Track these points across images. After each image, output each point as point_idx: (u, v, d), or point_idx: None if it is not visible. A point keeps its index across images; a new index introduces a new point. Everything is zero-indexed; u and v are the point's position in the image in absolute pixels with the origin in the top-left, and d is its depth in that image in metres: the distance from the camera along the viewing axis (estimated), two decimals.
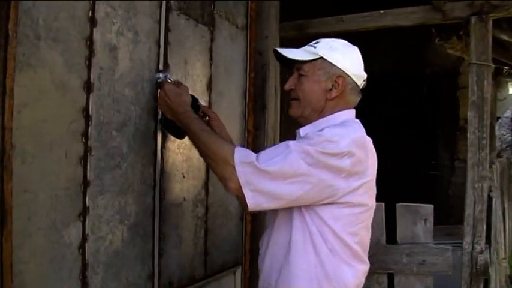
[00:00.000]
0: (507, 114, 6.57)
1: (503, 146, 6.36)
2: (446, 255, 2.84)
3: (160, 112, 2.02)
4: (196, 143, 1.87)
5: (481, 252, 2.70)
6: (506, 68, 5.07)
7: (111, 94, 1.79)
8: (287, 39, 3.27)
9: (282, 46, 3.11)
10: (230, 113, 2.67)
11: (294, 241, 1.75)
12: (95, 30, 1.69)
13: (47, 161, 1.51)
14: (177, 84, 2.00)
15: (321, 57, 1.81)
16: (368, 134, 1.83)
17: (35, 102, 1.47)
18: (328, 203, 1.70)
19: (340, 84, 1.81)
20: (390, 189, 3.51)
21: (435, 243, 2.95)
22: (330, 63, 1.80)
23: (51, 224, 1.53)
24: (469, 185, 2.74)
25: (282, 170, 1.64)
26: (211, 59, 2.46)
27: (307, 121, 1.87)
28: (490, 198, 2.86)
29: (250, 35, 2.91)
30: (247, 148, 2.84)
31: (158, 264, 2.07)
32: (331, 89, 1.82)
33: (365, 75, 1.89)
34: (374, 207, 1.87)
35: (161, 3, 2.06)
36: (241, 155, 1.69)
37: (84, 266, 1.67)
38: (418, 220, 2.92)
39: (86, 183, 1.67)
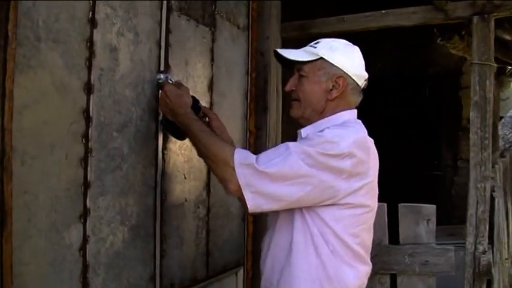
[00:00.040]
0: (510, 113, 6.57)
1: (507, 145, 6.36)
2: (449, 255, 2.83)
3: (161, 113, 2.02)
4: (196, 144, 1.87)
5: (484, 252, 2.69)
6: (509, 67, 5.05)
7: (112, 95, 1.78)
8: (288, 40, 3.27)
9: (283, 46, 3.13)
10: (231, 114, 2.67)
11: (295, 242, 1.75)
12: (95, 31, 1.69)
13: (47, 163, 1.51)
14: (178, 85, 2.00)
15: (321, 58, 1.80)
16: (370, 134, 1.83)
17: (35, 103, 1.47)
18: (329, 204, 1.69)
19: (341, 84, 1.80)
20: (393, 189, 3.51)
21: (438, 244, 2.94)
22: (330, 63, 1.80)
23: (51, 225, 1.53)
24: (472, 185, 2.73)
25: (281, 171, 1.64)
26: (212, 59, 2.45)
27: (308, 122, 1.87)
28: (492, 198, 2.84)
29: (252, 35, 2.91)
30: (249, 149, 2.84)
31: (159, 266, 2.07)
32: (331, 90, 1.81)
33: (366, 75, 1.89)
34: (376, 208, 1.86)
35: (162, 4, 2.06)
36: (241, 157, 1.68)
37: (85, 267, 1.66)
38: (420, 220, 2.91)
39: (86, 185, 1.67)
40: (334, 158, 1.65)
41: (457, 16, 2.82)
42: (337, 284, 1.73)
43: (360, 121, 1.87)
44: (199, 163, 2.28)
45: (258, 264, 1.97)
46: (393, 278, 2.94)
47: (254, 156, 1.69)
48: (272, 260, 1.85)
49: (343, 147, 1.65)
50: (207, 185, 2.41)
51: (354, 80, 1.83)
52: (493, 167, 2.97)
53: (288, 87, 1.90)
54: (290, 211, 1.75)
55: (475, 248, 2.70)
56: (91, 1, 1.68)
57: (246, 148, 2.83)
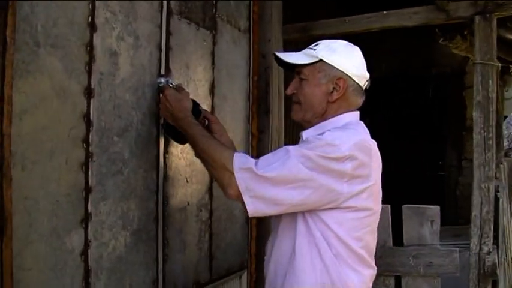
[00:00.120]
0: None
1: (511, 145, 6.33)
2: (453, 256, 2.82)
3: (162, 117, 2.01)
4: (195, 148, 1.86)
5: (489, 253, 2.67)
6: None
7: (112, 99, 1.78)
8: (290, 42, 3.27)
9: (285, 49, 3.12)
10: (233, 117, 2.67)
11: (298, 246, 1.73)
12: (95, 35, 1.70)
13: (47, 168, 1.51)
14: (179, 89, 1.99)
15: (321, 60, 1.79)
16: (374, 134, 1.81)
17: (35, 108, 1.47)
18: (332, 208, 1.67)
19: (341, 86, 1.78)
20: (397, 190, 3.49)
21: (442, 245, 2.93)
22: (330, 65, 1.78)
23: (52, 230, 1.53)
24: (476, 185, 2.72)
25: (281, 175, 1.62)
26: (213, 63, 2.45)
27: (310, 124, 1.86)
28: (497, 199, 2.83)
29: (253, 38, 2.91)
30: (251, 152, 2.84)
31: (162, 270, 2.06)
32: (332, 92, 1.79)
33: (367, 76, 1.87)
34: (380, 210, 1.84)
35: (162, 8, 2.06)
36: (240, 161, 1.67)
37: (87, 272, 1.66)
38: (424, 222, 2.89)
39: (87, 189, 1.67)
40: (334, 161, 1.63)
41: (458, 16, 2.81)
42: None
43: (361, 123, 1.86)
44: (201, 166, 2.25)
45: (262, 267, 1.96)
46: (398, 280, 2.93)
47: (253, 160, 1.68)
48: (275, 263, 1.84)
49: (344, 150, 1.63)
50: (210, 189, 2.41)
51: (354, 81, 1.81)
52: (497, 167, 2.96)
53: (288, 91, 1.89)
54: (292, 215, 1.74)
55: (480, 249, 2.69)
56: (90, 5, 1.68)
57: (248, 151, 2.83)
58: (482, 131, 2.71)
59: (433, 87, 5.95)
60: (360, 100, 1.87)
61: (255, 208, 1.66)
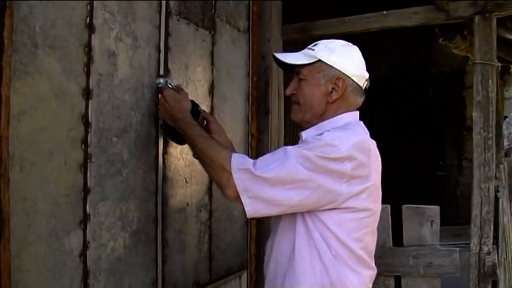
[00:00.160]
0: None
1: (511, 145, 6.32)
2: (453, 256, 2.82)
3: (161, 118, 2.01)
4: (194, 149, 1.86)
5: (489, 253, 2.67)
6: None
7: (111, 100, 1.78)
8: (289, 42, 3.26)
9: (285, 49, 3.12)
10: (233, 117, 2.66)
11: (298, 247, 1.73)
12: (93, 36, 1.69)
13: (46, 169, 1.51)
14: (178, 89, 1.99)
15: (319, 60, 1.78)
16: (374, 134, 1.81)
17: (33, 110, 1.47)
18: (331, 209, 1.67)
19: (340, 86, 1.78)
20: (397, 190, 3.49)
21: (442, 245, 2.93)
22: (329, 65, 1.77)
23: (51, 231, 1.53)
24: (476, 185, 2.71)
25: (279, 176, 1.62)
26: (212, 63, 2.45)
27: (309, 125, 1.85)
28: (497, 199, 2.83)
29: (253, 38, 2.90)
30: (251, 152, 2.83)
31: (162, 271, 2.06)
32: (331, 92, 1.79)
33: (367, 75, 1.86)
34: (379, 211, 1.83)
35: (161, 8, 2.06)
36: (238, 162, 1.67)
37: (86, 273, 1.66)
38: (424, 222, 2.89)
39: (86, 190, 1.67)
40: (333, 162, 1.62)
41: (458, 16, 2.81)
42: None
43: (361, 123, 1.85)
44: (200, 167, 2.25)
45: (262, 267, 1.96)
46: (398, 280, 2.93)
47: (251, 160, 1.68)
48: (275, 264, 1.83)
49: (343, 151, 1.63)
50: (209, 189, 2.41)
51: (354, 81, 1.80)
52: (497, 167, 2.96)
53: (288, 92, 1.89)
54: (292, 215, 1.73)
55: (480, 249, 2.69)
56: (89, 6, 1.67)
57: (247, 151, 2.82)
58: (482, 131, 2.71)
59: (433, 87, 5.94)
60: (359, 100, 1.86)
61: (253, 209, 1.65)
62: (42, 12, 1.49)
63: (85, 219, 1.66)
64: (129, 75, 1.87)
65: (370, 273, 1.80)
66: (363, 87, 1.85)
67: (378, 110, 5.90)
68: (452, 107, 6.05)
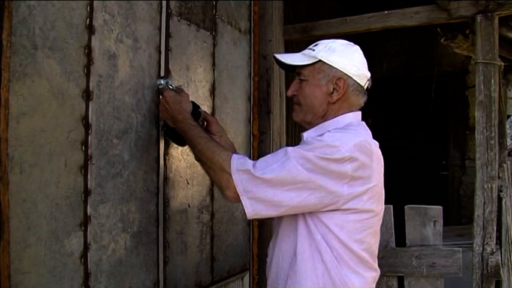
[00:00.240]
0: None
1: None
2: (456, 257, 2.81)
3: (162, 119, 2.01)
4: (194, 150, 1.86)
5: (492, 253, 2.66)
6: None
7: (111, 102, 1.78)
8: (291, 42, 3.26)
9: (286, 49, 3.12)
10: (234, 118, 2.66)
11: (300, 249, 1.72)
12: (93, 37, 1.69)
13: (46, 171, 1.51)
14: (179, 90, 1.99)
15: (320, 60, 1.77)
16: (376, 135, 1.80)
17: (33, 111, 1.46)
18: (332, 210, 1.66)
19: (341, 86, 1.77)
20: (400, 190, 3.48)
21: (445, 245, 2.91)
22: (329, 65, 1.76)
23: (51, 233, 1.53)
24: (478, 185, 2.70)
25: (279, 177, 1.61)
26: (213, 64, 2.44)
27: (311, 125, 1.84)
28: (500, 198, 2.81)
29: (254, 38, 2.90)
30: (253, 153, 2.83)
31: (163, 272, 2.06)
32: (332, 93, 1.78)
33: (369, 75, 1.84)
34: (382, 212, 1.82)
35: (161, 9, 2.05)
36: (238, 163, 1.66)
37: (87, 275, 1.66)
38: (427, 222, 2.88)
39: (87, 192, 1.66)
40: (334, 163, 1.61)
41: (460, 15, 2.79)
42: None
43: (363, 123, 1.84)
44: (202, 168, 2.27)
45: (264, 269, 1.95)
46: (401, 281, 2.92)
47: (251, 161, 1.67)
48: (277, 265, 1.82)
49: (344, 151, 1.61)
50: (211, 190, 2.40)
51: (355, 81, 1.79)
52: (500, 166, 2.94)
53: (289, 93, 1.88)
54: (293, 217, 1.73)
55: (483, 249, 2.67)
56: (89, 7, 1.67)
57: (249, 152, 2.82)
58: (485, 131, 2.70)
59: (435, 86, 5.93)
60: (361, 100, 1.85)
61: (253, 210, 1.64)
62: (42, 13, 1.49)
63: (86, 221, 1.66)
64: (129, 77, 1.87)
65: (373, 274, 1.78)
66: (365, 87, 1.84)
67: (380, 110, 5.89)
68: (455, 107, 6.04)
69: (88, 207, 1.67)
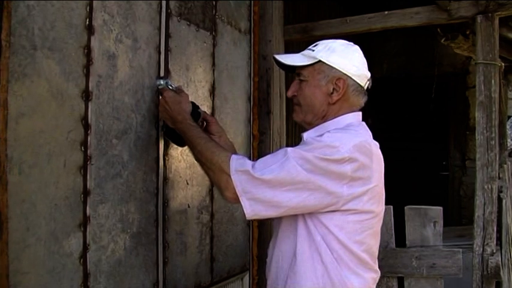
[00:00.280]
0: None
1: None
2: (456, 257, 2.80)
3: (161, 119, 2.01)
4: (193, 151, 1.86)
5: (492, 254, 2.65)
6: None
7: (111, 102, 1.78)
8: (291, 42, 3.26)
9: (286, 49, 3.12)
10: (234, 118, 2.66)
11: (300, 250, 1.71)
12: (92, 38, 1.69)
13: (45, 171, 1.51)
14: (178, 91, 1.99)
15: (320, 61, 1.77)
16: (376, 135, 1.79)
17: (32, 112, 1.46)
18: (332, 211, 1.65)
19: (341, 86, 1.76)
20: (401, 190, 3.48)
21: (445, 246, 2.91)
22: (329, 65, 1.76)
23: (50, 234, 1.52)
24: (479, 186, 2.70)
25: (278, 177, 1.60)
26: (213, 64, 2.44)
27: (311, 126, 1.84)
28: (500, 199, 2.81)
29: (254, 39, 2.89)
30: (253, 153, 2.82)
31: (163, 272, 2.06)
32: (332, 93, 1.77)
33: (369, 75, 1.84)
34: (382, 213, 1.81)
35: (161, 10, 2.05)
36: (237, 163, 1.66)
37: (86, 276, 1.66)
38: (427, 223, 2.87)
39: (86, 193, 1.66)
40: (334, 163, 1.61)
41: (460, 16, 2.79)
42: None
43: (363, 123, 1.83)
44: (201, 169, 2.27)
45: (264, 269, 1.95)
46: (401, 281, 2.92)
47: (250, 162, 1.67)
48: (276, 266, 1.82)
49: (344, 152, 1.61)
50: (211, 191, 2.40)
51: (355, 81, 1.79)
52: (500, 167, 2.94)
53: (289, 94, 1.88)
54: (293, 218, 1.72)
55: (483, 250, 2.67)
56: (88, 7, 1.67)
57: (249, 152, 2.82)
58: (485, 131, 2.70)
59: (436, 87, 5.93)
60: (361, 100, 1.84)
61: (252, 210, 1.64)
62: (41, 14, 1.49)
63: (85, 222, 1.66)
64: (129, 77, 1.86)
65: (373, 276, 1.78)
66: (365, 87, 1.84)
67: (381, 111, 5.89)
68: (455, 107, 6.04)
69: (87, 207, 1.67)
